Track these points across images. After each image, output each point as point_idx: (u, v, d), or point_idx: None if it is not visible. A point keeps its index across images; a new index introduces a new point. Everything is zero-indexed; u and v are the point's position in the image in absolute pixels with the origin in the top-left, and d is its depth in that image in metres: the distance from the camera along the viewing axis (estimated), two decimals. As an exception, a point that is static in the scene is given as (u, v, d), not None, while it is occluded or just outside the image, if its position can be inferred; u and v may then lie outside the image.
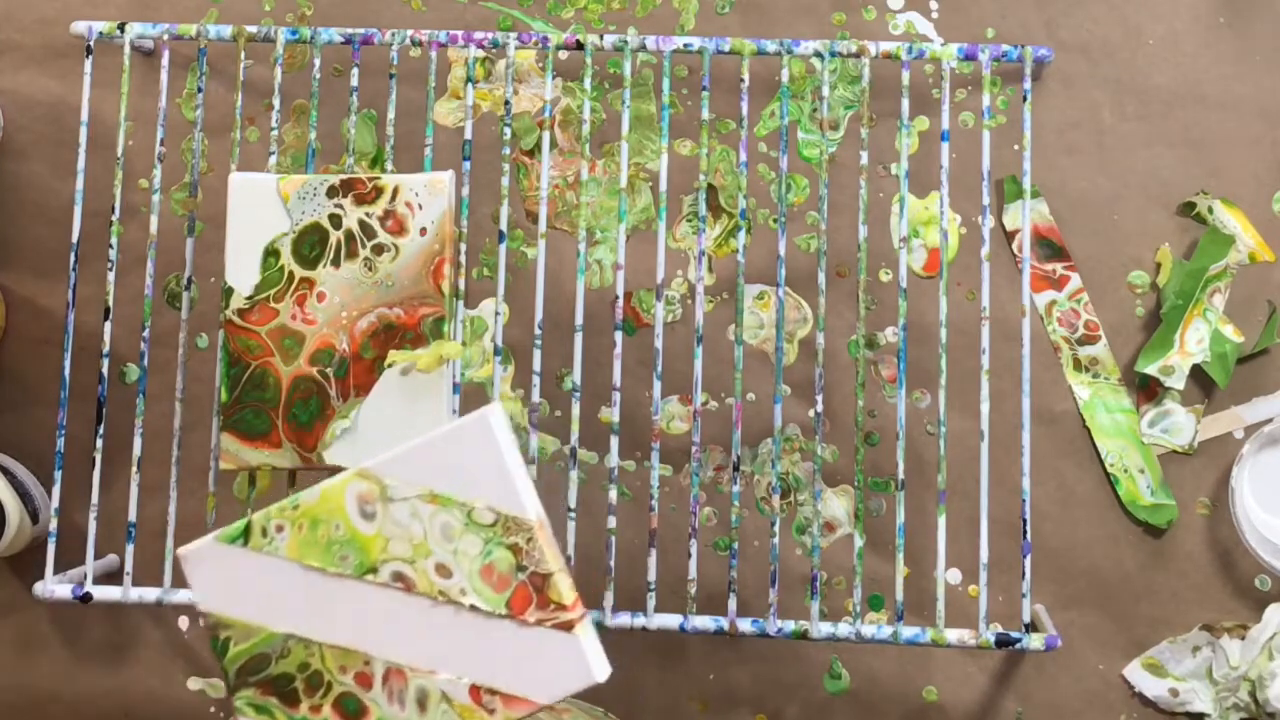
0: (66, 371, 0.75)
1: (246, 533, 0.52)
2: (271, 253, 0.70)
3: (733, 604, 0.71)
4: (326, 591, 0.52)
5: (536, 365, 0.73)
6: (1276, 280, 0.79)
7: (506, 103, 0.75)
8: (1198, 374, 0.78)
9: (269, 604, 0.52)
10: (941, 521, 0.71)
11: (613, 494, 0.72)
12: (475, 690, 0.52)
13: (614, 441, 0.72)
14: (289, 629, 0.52)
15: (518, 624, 0.52)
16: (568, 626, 0.52)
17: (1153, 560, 0.78)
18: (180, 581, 0.78)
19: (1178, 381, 0.77)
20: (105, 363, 0.74)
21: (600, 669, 0.52)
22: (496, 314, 0.73)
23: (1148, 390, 0.79)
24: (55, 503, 0.74)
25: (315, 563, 0.52)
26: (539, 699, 0.52)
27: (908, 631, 0.70)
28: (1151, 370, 0.77)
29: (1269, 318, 0.78)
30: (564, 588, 0.52)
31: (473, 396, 0.80)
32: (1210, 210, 0.79)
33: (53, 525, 0.74)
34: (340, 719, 0.52)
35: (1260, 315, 0.79)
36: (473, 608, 0.52)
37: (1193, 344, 0.77)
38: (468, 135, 0.75)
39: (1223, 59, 0.80)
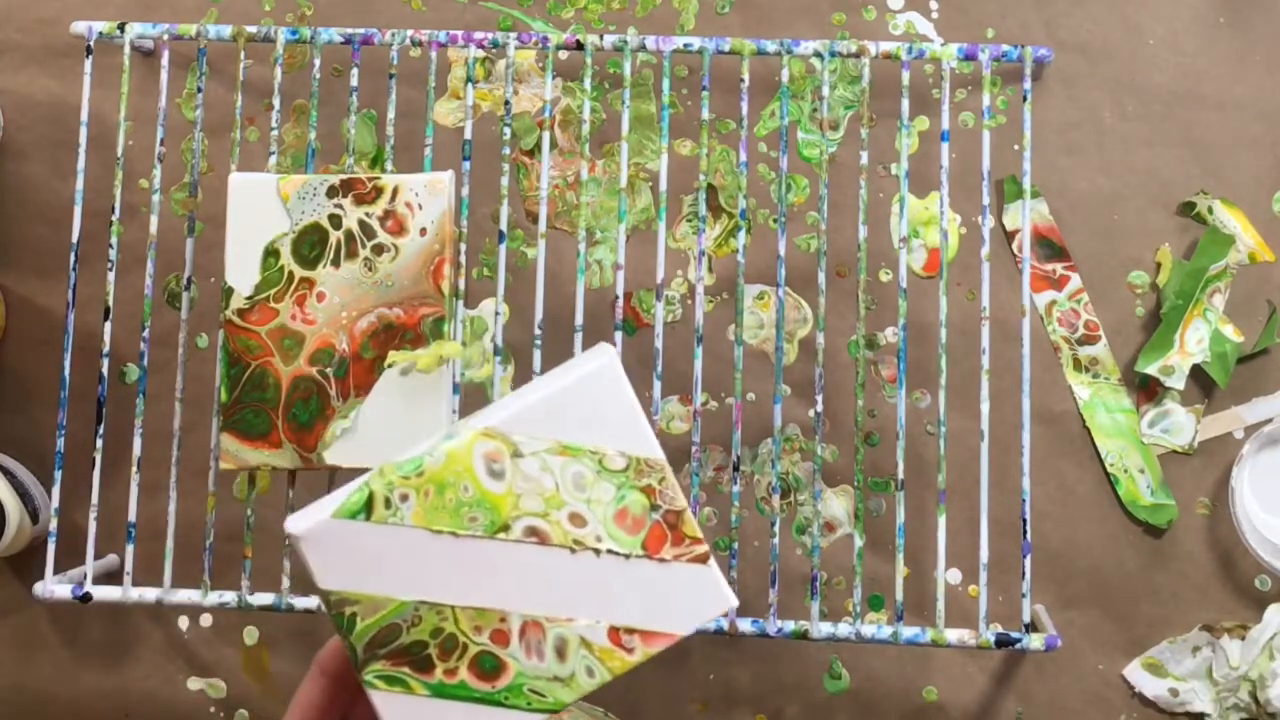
0: (66, 371, 0.75)
1: (369, 505, 0.51)
2: (271, 253, 0.70)
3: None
4: (457, 554, 0.51)
5: (536, 365, 0.73)
6: (1276, 280, 0.79)
7: (506, 103, 0.75)
8: (1198, 374, 0.78)
9: (397, 574, 0.51)
10: (941, 521, 0.71)
11: (613, 494, 0.72)
12: (614, 632, 0.52)
13: (614, 441, 0.72)
14: (420, 596, 0.51)
15: (655, 563, 0.52)
16: (703, 559, 0.52)
17: (1153, 560, 0.78)
18: (180, 581, 0.78)
19: (1178, 381, 0.77)
20: (105, 363, 0.74)
21: (732, 596, 0.53)
22: (496, 314, 0.73)
23: (1148, 390, 0.79)
24: (55, 503, 0.74)
25: (445, 527, 0.51)
26: (678, 631, 0.52)
27: (908, 631, 0.70)
28: (1151, 370, 0.77)
29: (1269, 318, 0.78)
30: (694, 523, 0.52)
31: (473, 396, 0.80)
32: (1210, 210, 0.79)
33: (53, 525, 0.74)
34: (478, 678, 0.51)
35: (1261, 315, 0.79)
36: (609, 552, 0.52)
37: (1193, 344, 0.77)
38: (468, 135, 0.75)
39: (1223, 59, 0.80)
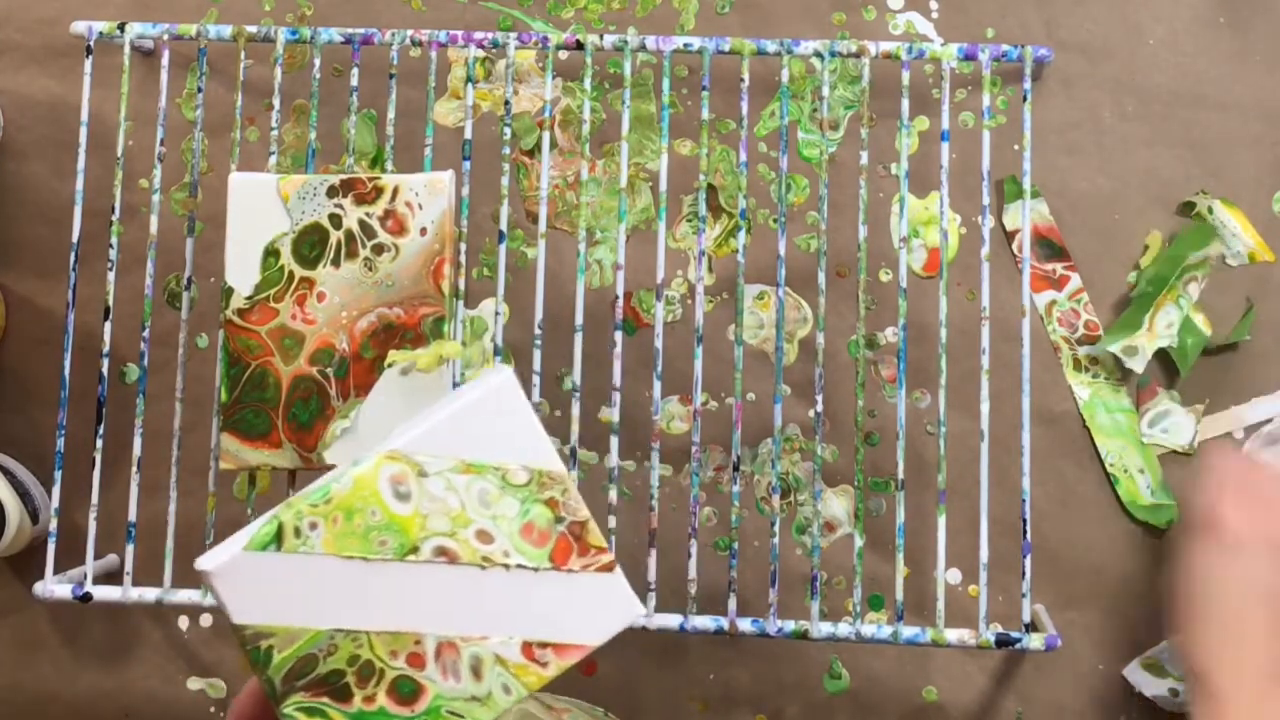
0: (66, 371, 0.75)
1: (278, 536, 0.51)
2: (271, 253, 0.70)
3: (733, 604, 0.71)
4: (369, 579, 0.51)
5: (536, 365, 0.73)
6: (1276, 280, 0.79)
7: (506, 103, 0.75)
8: (1199, 371, 0.78)
9: (310, 603, 0.51)
10: (941, 521, 0.71)
11: (613, 494, 0.72)
12: (528, 647, 0.52)
13: (614, 441, 0.72)
14: (335, 624, 0.51)
15: (563, 574, 0.52)
16: (609, 568, 0.52)
17: (1153, 560, 0.78)
18: (180, 581, 0.78)
19: (1138, 364, 0.77)
20: (105, 363, 0.74)
21: (639, 604, 0.53)
22: (496, 314, 0.73)
23: (1148, 390, 0.79)
24: (55, 503, 0.74)
25: (355, 552, 0.51)
26: (589, 642, 0.52)
27: (908, 631, 0.70)
28: (1114, 349, 0.77)
29: (1244, 314, 0.78)
30: (599, 532, 0.53)
31: (473, 396, 0.80)
32: (1210, 210, 0.79)
33: (53, 525, 0.74)
34: (396, 703, 0.51)
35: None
36: (518, 566, 0.52)
37: (1162, 328, 0.77)
38: (468, 135, 0.75)
39: (1223, 59, 0.80)
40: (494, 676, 0.52)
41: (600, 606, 0.52)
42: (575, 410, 0.72)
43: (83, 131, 0.76)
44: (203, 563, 0.50)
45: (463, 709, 0.51)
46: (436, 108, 0.82)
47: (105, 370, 0.74)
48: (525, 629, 0.52)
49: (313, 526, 0.51)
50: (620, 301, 0.73)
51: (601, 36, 0.76)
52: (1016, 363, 0.78)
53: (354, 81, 0.76)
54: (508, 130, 0.75)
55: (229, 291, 0.70)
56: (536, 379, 0.73)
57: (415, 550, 0.51)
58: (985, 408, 0.72)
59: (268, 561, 0.50)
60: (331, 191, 0.70)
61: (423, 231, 0.70)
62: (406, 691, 0.51)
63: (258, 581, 0.50)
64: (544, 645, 0.52)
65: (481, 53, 0.82)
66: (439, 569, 0.52)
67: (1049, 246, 0.80)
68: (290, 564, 0.51)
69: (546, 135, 0.75)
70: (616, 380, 0.72)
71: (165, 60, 0.77)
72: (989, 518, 0.74)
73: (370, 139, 0.82)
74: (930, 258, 0.80)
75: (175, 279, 0.82)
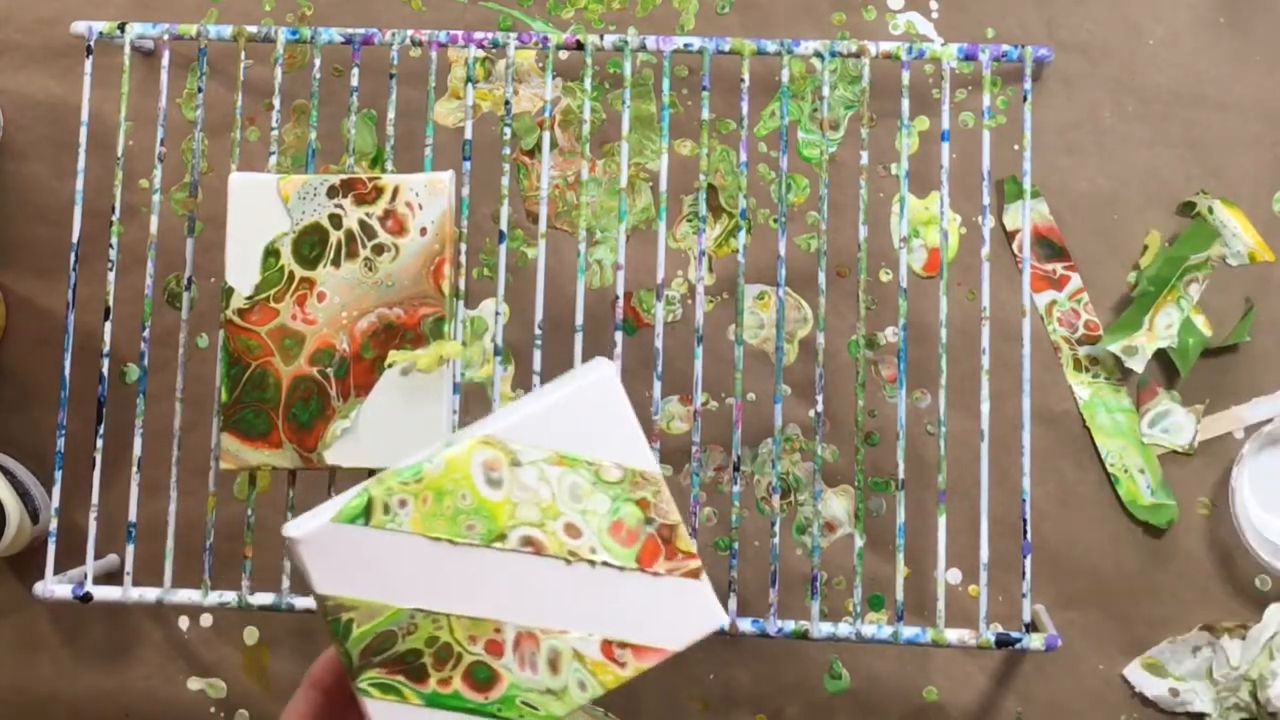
0: (66, 371, 0.75)
1: (368, 510, 0.50)
2: (272, 253, 0.70)
3: (733, 604, 0.71)
4: (454, 562, 0.51)
5: (536, 365, 0.73)
6: (1276, 280, 0.79)
7: (506, 103, 0.75)
8: (1199, 371, 0.78)
9: (394, 580, 0.51)
10: (941, 521, 0.71)
11: (613, 494, 0.72)
12: (607, 645, 0.51)
13: (614, 441, 0.72)
14: (416, 604, 0.51)
15: (648, 576, 0.52)
16: (695, 574, 0.52)
17: (1153, 560, 0.78)
18: (180, 581, 0.78)
19: (1138, 363, 0.77)
20: (105, 363, 0.74)
21: (722, 613, 0.53)
22: (496, 314, 0.73)
23: (1148, 390, 0.79)
24: (55, 503, 0.74)
25: (442, 534, 0.51)
26: (670, 647, 0.52)
27: (908, 631, 0.70)
28: (1114, 348, 0.77)
29: (1244, 314, 0.78)
30: (688, 537, 0.52)
31: (473, 396, 0.80)
32: (1210, 210, 0.79)
33: (53, 525, 0.74)
34: (471, 689, 0.51)
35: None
36: (604, 564, 0.52)
37: (1162, 328, 0.77)
38: (468, 135, 0.75)
39: (1223, 59, 0.80)
40: (571, 671, 0.51)
41: (683, 612, 0.52)
42: (575, 410, 0.72)
43: (83, 131, 0.76)
44: (290, 530, 0.49)
45: (537, 701, 0.51)
46: (436, 108, 0.82)
47: (105, 370, 0.74)
48: (606, 627, 0.51)
49: (402, 504, 0.50)
50: (620, 301, 0.73)
51: (601, 36, 0.76)
52: (1016, 363, 0.78)
53: (354, 81, 0.76)
54: (508, 130, 0.75)
55: (229, 291, 0.70)
56: (536, 379, 0.73)
57: (503, 538, 0.51)
58: (985, 408, 0.72)
59: (355, 534, 0.50)
60: (331, 191, 0.70)
61: (423, 231, 0.70)
62: (482, 678, 0.51)
63: (343, 553, 0.50)
64: (624, 645, 0.51)
65: (481, 53, 0.82)
66: (525, 559, 0.51)
67: (1049, 246, 0.80)
68: (377, 539, 0.50)
69: (546, 135, 0.75)
70: (616, 380, 0.72)
71: (165, 60, 0.77)
72: (989, 518, 0.74)
73: (370, 139, 0.82)
74: (930, 258, 0.80)
75: (175, 279, 0.82)
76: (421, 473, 0.51)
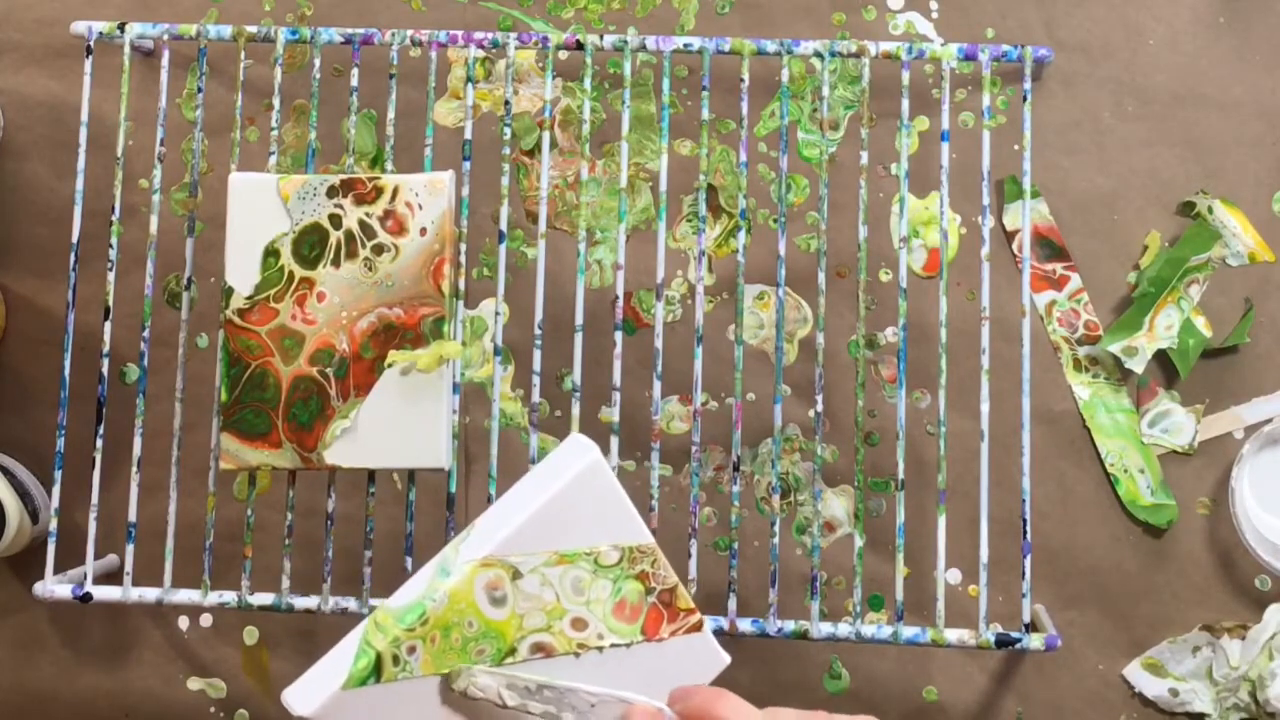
0: (66, 371, 0.75)
1: (378, 669, 0.49)
2: (271, 253, 0.70)
3: (733, 604, 0.71)
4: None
5: (536, 365, 0.73)
6: (1276, 280, 0.79)
7: (506, 103, 0.75)
8: (1199, 371, 0.78)
9: None
10: (941, 521, 0.71)
11: (613, 494, 0.72)
12: None
13: (614, 441, 0.72)
14: None
15: (654, 644, 0.53)
16: (697, 627, 0.53)
17: (1153, 560, 0.78)
18: (180, 581, 0.78)
19: (1138, 364, 0.77)
20: (105, 363, 0.74)
21: (725, 655, 0.54)
22: (496, 314, 0.73)
23: (1148, 390, 0.79)
24: (55, 503, 0.74)
25: (454, 666, 0.51)
26: None
27: (908, 631, 0.70)
28: (1114, 349, 0.77)
29: (1244, 315, 0.78)
30: (686, 594, 0.53)
31: (473, 396, 0.80)
32: (1210, 210, 0.79)
33: (53, 525, 0.74)
34: None
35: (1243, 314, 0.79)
36: (612, 646, 0.52)
37: (1162, 329, 0.77)
38: (468, 135, 0.75)
39: (1223, 59, 0.80)
40: None
41: (690, 663, 0.53)
42: (575, 410, 0.72)
43: (83, 131, 0.76)
44: (299, 708, 0.48)
45: None
46: (436, 108, 0.82)
47: (105, 370, 0.74)
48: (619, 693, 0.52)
49: (411, 651, 0.50)
50: (620, 301, 0.73)
51: (601, 36, 0.76)
52: (1016, 363, 0.78)
53: (354, 81, 0.76)
54: (508, 130, 0.75)
55: (229, 291, 0.70)
56: (536, 379, 0.73)
57: (513, 652, 0.51)
58: (985, 408, 0.72)
59: (368, 695, 0.49)
60: (331, 191, 0.70)
61: (423, 231, 0.70)
62: None
63: (357, 715, 0.49)
64: None
65: (481, 53, 0.82)
66: (536, 664, 0.51)
67: (1049, 246, 0.80)
68: (390, 693, 0.50)
69: (546, 135, 0.75)
70: (616, 380, 0.72)
71: (165, 60, 0.77)
72: (989, 518, 0.74)
73: (370, 139, 0.82)
74: (930, 258, 0.80)
75: (175, 279, 0.82)
76: (425, 613, 0.50)
